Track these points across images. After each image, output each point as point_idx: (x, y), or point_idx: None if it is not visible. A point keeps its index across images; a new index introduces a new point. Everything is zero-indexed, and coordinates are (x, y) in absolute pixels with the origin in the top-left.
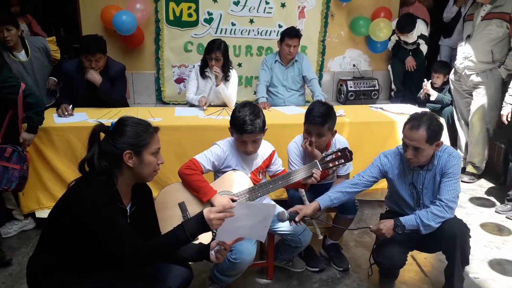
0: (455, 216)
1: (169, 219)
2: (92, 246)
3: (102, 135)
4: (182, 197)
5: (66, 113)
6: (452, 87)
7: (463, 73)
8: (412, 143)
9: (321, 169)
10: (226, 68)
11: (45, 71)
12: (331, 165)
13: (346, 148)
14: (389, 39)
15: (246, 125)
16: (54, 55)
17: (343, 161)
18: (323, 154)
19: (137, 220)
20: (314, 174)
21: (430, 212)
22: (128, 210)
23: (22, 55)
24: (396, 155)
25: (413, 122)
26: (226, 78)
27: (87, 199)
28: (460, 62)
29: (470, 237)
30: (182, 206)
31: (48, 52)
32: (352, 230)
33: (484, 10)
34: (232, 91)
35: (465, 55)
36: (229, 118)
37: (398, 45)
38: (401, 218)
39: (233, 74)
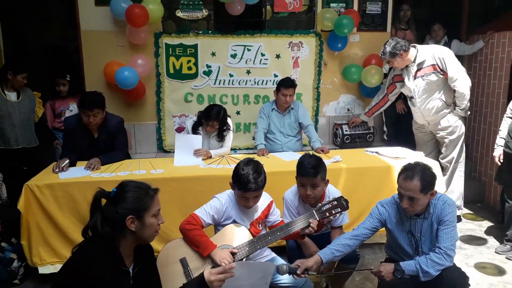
0: (454, 264)
1: (171, 276)
2: None
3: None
4: (184, 253)
5: (57, 170)
6: (415, 134)
7: (426, 124)
8: (407, 193)
9: (318, 219)
10: (220, 133)
11: (31, 114)
12: (328, 214)
13: (342, 197)
14: (382, 83)
15: (250, 184)
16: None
17: (339, 210)
18: (319, 204)
19: (140, 281)
20: (311, 224)
21: (429, 259)
22: (131, 272)
23: (13, 95)
24: (393, 204)
25: (406, 172)
26: (220, 139)
27: (88, 268)
28: (420, 121)
29: (469, 285)
30: (183, 262)
31: (34, 102)
32: (354, 279)
33: (413, 69)
34: (226, 145)
35: (422, 115)
36: (229, 166)
37: None
38: (401, 263)
39: (229, 134)
